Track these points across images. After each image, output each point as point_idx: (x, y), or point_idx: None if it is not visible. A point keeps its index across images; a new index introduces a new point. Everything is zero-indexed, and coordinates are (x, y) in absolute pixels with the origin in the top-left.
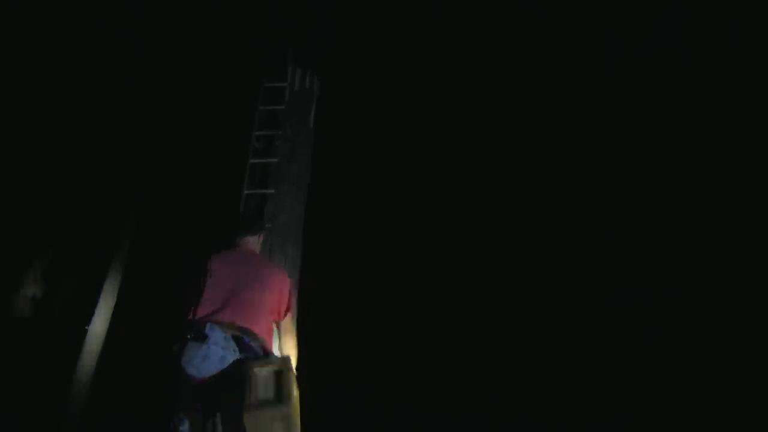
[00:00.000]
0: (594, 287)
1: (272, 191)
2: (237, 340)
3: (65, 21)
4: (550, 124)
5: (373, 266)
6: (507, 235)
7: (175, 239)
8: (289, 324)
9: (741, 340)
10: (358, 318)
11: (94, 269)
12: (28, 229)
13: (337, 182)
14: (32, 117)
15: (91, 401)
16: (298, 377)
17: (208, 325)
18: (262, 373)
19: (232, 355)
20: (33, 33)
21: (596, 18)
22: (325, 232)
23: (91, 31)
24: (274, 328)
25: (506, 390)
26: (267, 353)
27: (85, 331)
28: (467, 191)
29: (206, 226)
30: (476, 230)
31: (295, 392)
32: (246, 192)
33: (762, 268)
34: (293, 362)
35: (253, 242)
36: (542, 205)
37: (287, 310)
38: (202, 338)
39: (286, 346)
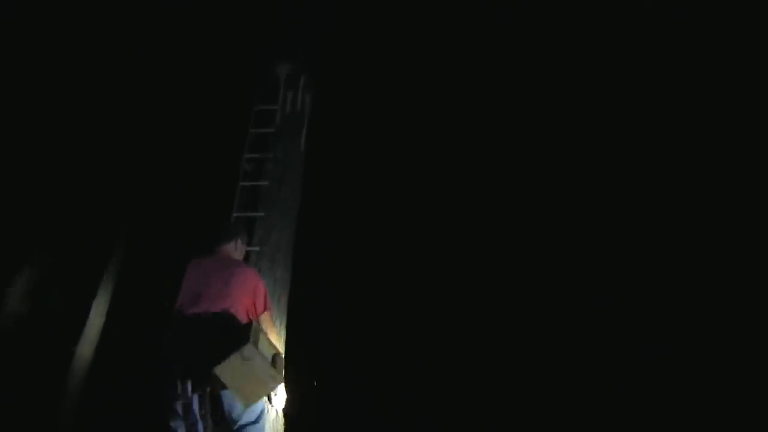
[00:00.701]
0: (581, 287)
1: (262, 214)
2: (212, 318)
3: (64, 26)
4: (542, 129)
5: (361, 288)
6: (501, 250)
7: (164, 261)
8: (266, 320)
9: (739, 341)
10: (346, 340)
11: (87, 280)
12: (20, 234)
13: (326, 205)
14: (24, 126)
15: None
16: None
17: (184, 313)
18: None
19: (206, 341)
20: (32, 35)
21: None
22: (314, 255)
23: (92, 44)
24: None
25: (506, 389)
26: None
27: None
28: (459, 212)
29: (195, 246)
30: (466, 254)
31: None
32: (235, 214)
33: (754, 267)
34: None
35: (230, 248)
36: (540, 204)
37: (264, 309)
38: (179, 322)
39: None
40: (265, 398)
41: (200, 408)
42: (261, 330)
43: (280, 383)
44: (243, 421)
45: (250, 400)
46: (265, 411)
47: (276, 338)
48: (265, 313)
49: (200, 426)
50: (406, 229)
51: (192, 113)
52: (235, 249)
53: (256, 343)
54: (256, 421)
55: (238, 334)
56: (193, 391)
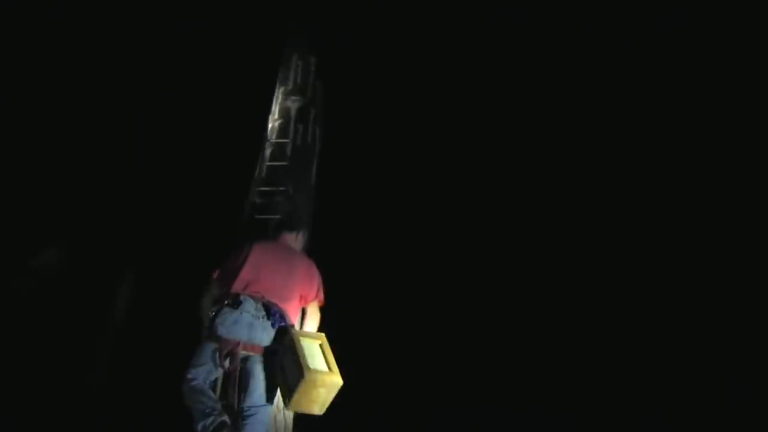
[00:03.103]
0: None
1: None
2: (266, 309)
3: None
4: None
5: (369, 323)
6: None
7: (172, 291)
8: (314, 308)
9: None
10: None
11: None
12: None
13: (336, 238)
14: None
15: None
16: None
17: (241, 296)
18: (306, 342)
19: (261, 323)
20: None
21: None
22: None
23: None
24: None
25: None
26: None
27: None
28: (473, 250)
29: (203, 277)
30: (470, 271)
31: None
32: None
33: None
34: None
35: (291, 239)
36: (541, 204)
37: (315, 297)
38: (236, 305)
39: (308, 328)
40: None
41: (230, 380)
42: (306, 317)
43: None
44: (259, 402)
45: (293, 407)
46: (276, 399)
47: (315, 327)
48: (315, 302)
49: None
50: (418, 265)
51: (203, 147)
52: (295, 240)
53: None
54: (268, 403)
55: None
56: (230, 365)
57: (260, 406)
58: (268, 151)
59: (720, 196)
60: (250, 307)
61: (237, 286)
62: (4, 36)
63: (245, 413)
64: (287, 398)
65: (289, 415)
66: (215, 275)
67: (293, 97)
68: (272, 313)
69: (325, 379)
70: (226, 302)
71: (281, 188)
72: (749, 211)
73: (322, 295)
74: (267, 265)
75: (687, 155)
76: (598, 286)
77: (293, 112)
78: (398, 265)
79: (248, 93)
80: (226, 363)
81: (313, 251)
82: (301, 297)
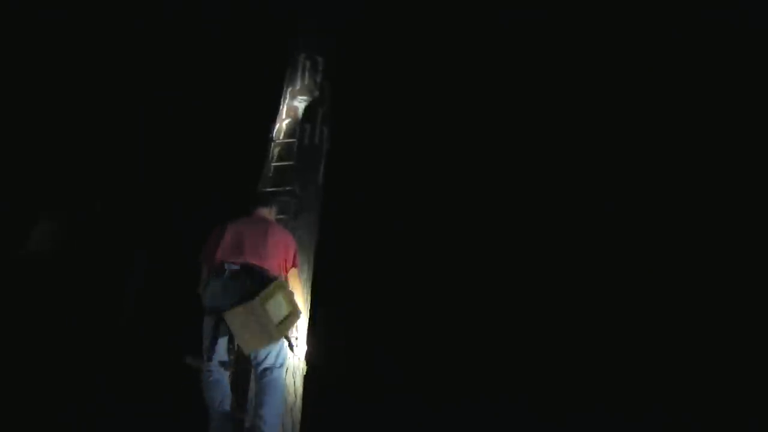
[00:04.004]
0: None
1: None
2: (249, 270)
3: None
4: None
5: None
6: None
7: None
8: (293, 277)
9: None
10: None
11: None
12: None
13: (344, 239)
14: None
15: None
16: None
17: (225, 264)
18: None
19: (245, 286)
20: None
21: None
22: (331, 290)
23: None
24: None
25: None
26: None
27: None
28: (480, 248)
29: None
30: (473, 277)
31: (275, 298)
32: None
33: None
34: (300, 306)
35: (266, 213)
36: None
37: (292, 265)
38: (221, 273)
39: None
40: (287, 344)
41: (229, 344)
42: (284, 287)
43: (276, 342)
44: (266, 364)
45: (249, 347)
46: (288, 358)
47: (300, 294)
48: (293, 269)
49: (218, 359)
50: (424, 263)
51: (211, 146)
52: (270, 213)
53: (267, 299)
54: (280, 366)
55: (264, 287)
56: (221, 332)
57: (273, 367)
58: (275, 151)
59: (720, 196)
60: (233, 273)
61: (219, 256)
62: (5, 36)
63: (260, 376)
64: (238, 340)
65: (297, 417)
66: (201, 258)
67: (300, 97)
68: (256, 274)
69: (238, 309)
70: (211, 274)
71: (288, 188)
72: (749, 211)
73: (297, 261)
74: (242, 232)
75: (687, 155)
76: (599, 286)
77: (300, 112)
78: (405, 264)
79: (256, 93)
80: (222, 331)
81: (320, 250)
82: (278, 261)
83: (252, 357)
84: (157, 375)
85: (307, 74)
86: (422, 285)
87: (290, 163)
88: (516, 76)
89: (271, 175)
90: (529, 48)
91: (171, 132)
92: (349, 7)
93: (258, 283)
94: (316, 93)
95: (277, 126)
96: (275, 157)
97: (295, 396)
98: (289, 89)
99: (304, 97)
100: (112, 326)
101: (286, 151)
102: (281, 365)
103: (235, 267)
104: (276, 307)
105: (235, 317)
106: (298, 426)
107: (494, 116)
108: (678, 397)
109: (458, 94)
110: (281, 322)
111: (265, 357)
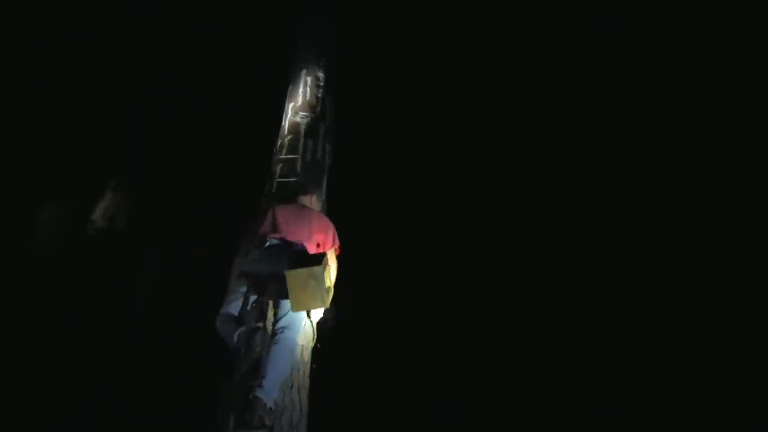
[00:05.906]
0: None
1: None
2: (290, 245)
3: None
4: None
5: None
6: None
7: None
8: (331, 257)
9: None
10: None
11: None
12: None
13: (347, 254)
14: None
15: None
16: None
17: (267, 237)
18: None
19: (284, 260)
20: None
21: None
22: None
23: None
24: None
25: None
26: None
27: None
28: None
29: (211, 294)
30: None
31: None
32: None
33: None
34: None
35: (306, 200)
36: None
37: (332, 245)
38: (263, 244)
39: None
40: (305, 313)
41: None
42: (328, 263)
43: (325, 306)
44: (284, 323)
45: (299, 306)
46: (303, 323)
47: (333, 275)
48: (332, 249)
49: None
50: (428, 276)
51: (216, 164)
52: (311, 202)
53: (325, 267)
54: (295, 328)
55: (307, 261)
56: (258, 297)
57: (287, 327)
58: (278, 167)
59: (720, 196)
60: (274, 245)
61: (264, 229)
62: (5, 36)
63: (273, 334)
64: (291, 296)
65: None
66: (245, 235)
67: (302, 113)
68: (293, 247)
69: (301, 271)
70: (253, 246)
71: None
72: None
73: (338, 243)
74: (287, 215)
75: (686, 155)
76: (598, 286)
77: (303, 128)
78: (408, 276)
79: (256, 93)
80: (253, 297)
81: None
82: (318, 244)
83: (274, 319)
84: (160, 375)
85: (308, 90)
86: (426, 299)
87: (293, 179)
88: (517, 81)
89: (274, 191)
90: (529, 48)
91: (171, 132)
92: (351, 21)
93: (296, 256)
94: (318, 108)
95: (279, 142)
96: (278, 174)
97: (304, 375)
98: (291, 105)
99: (306, 113)
100: (121, 324)
101: (289, 167)
102: (297, 332)
103: (276, 242)
104: (328, 278)
105: (296, 276)
106: (306, 406)
107: (499, 128)
108: (678, 397)
109: (460, 100)
110: (328, 292)
111: (285, 315)
